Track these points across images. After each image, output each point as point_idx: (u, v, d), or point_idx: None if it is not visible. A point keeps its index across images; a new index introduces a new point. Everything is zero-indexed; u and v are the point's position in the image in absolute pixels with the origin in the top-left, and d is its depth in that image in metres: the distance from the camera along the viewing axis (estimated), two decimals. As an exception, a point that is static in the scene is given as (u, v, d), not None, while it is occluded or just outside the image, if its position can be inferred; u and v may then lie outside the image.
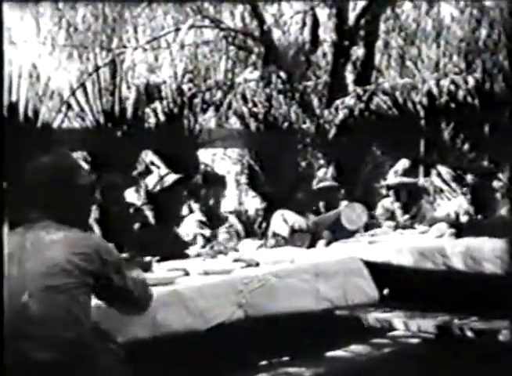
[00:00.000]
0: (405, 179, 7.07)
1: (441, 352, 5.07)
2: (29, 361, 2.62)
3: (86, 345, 2.73)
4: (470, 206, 6.06)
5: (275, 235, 6.14)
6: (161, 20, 11.83)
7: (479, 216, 6.05)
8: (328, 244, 6.00)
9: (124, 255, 4.37)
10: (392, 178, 7.09)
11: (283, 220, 6.20)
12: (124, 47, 10.96)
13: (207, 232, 5.76)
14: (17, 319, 2.62)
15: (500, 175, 7.58)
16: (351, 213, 6.24)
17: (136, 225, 5.42)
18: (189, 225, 5.95)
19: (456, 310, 5.17)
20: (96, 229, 5.19)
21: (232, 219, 6.25)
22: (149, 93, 9.31)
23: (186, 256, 5.25)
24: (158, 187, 5.54)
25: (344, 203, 6.83)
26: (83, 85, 8.66)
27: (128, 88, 9.29)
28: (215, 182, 6.17)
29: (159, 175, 5.73)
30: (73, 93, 8.50)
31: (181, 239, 5.61)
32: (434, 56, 10.89)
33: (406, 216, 6.88)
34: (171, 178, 5.62)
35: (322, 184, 6.98)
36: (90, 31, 11.51)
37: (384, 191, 7.50)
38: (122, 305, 2.99)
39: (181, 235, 5.69)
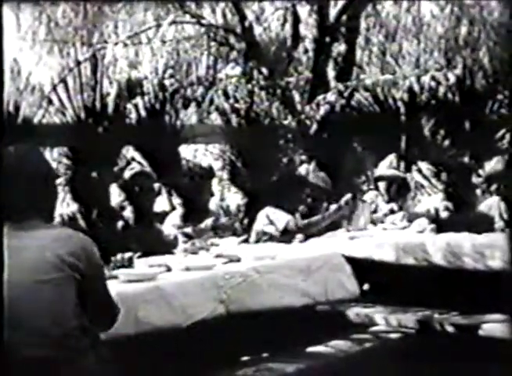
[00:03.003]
0: (397, 172, 7.11)
1: (422, 346, 5.09)
2: (17, 357, 2.62)
3: (73, 342, 2.73)
4: (450, 202, 6.09)
5: (264, 233, 6.13)
6: (142, 16, 11.79)
7: (459, 212, 6.08)
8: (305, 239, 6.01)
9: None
10: (384, 169, 7.11)
11: (272, 219, 6.18)
12: (105, 42, 10.92)
13: (190, 229, 5.75)
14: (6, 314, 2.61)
15: (480, 171, 7.63)
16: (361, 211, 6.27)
17: (119, 222, 5.41)
18: (172, 222, 5.93)
19: (437, 305, 5.19)
20: (81, 223, 5.17)
21: (215, 215, 6.24)
22: (131, 89, 9.28)
23: (168, 252, 5.25)
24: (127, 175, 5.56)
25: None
26: (64, 80, 8.63)
27: (110, 83, 9.26)
28: (200, 177, 6.15)
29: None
30: (54, 88, 8.47)
31: (163, 236, 5.60)
32: (415, 53, 10.92)
33: (389, 211, 6.89)
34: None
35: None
36: (71, 26, 11.45)
37: (368, 185, 7.51)
38: (97, 311, 2.94)
39: (163, 231, 5.68)
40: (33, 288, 2.67)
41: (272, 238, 6.03)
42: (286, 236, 5.99)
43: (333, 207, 6.46)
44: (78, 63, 9.04)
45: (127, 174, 5.63)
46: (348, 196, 7.04)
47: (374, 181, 7.24)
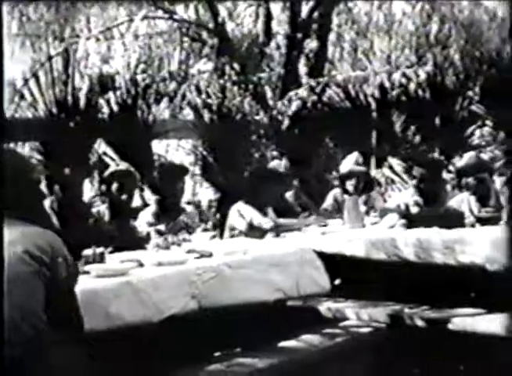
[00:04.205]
0: (358, 167, 7.12)
1: (393, 340, 5.13)
2: None
3: (43, 338, 2.72)
4: (420, 197, 6.13)
5: (232, 229, 6.14)
6: (114, 11, 11.74)
7: (429, 207, 6.12)
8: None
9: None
10: (348, 166, 7.11)
11: (241, 215, 6.19)
12: (78, 37, 10.87)
13: (162, 226, 5.73)
14: None
15: (450, 167, 7.70)
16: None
17: (91, 217, 5.40)
18: (145, 219, 5.91)
19: (407, 300, 5.23)
20: (54, 220, 5.16)
21: (187, 210, 6.24)
22: (103, 83, 9.27)
23: (140, 247, 5.24)
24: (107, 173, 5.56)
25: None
26: (36, 75, 8.59)
27: (81, 78, 9.23)
28: (173, 173, 6.13)
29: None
30: (26, 83, 8.43)
31: (135, 231, 5.60)
32: (386, 50, 10.98)
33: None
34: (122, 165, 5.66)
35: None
36: (43, 21, 11.38)
37: (336, 182, 7.54)
38: (61, 309, 2.91)
39: (136, 227, 5.67)
40: (4, 284, 2.67)
41: (243, 233, 6.05)
42: (254, 232, 6.01)
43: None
44: (50, 58, 9.00)
45: (108, 171, 5.63)
46: (331, 198, 7.11)
47: (339, 179, 7.23)
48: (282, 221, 6.27)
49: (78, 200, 5.50)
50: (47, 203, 5.30)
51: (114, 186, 5.50)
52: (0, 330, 2.53)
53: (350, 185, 6.98)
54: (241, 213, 6.17)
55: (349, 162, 7.15)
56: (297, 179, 7.64)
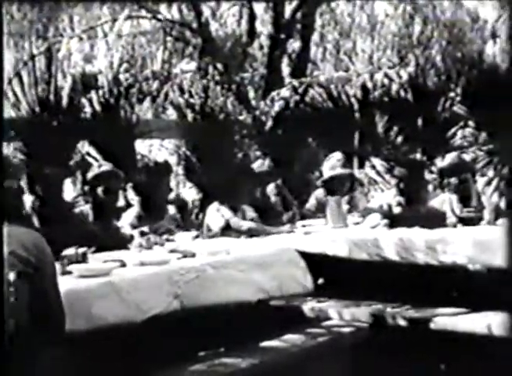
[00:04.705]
0: (344, 170, 7.12)
1: (375, 340, 5.15)
2: None
3: (24, 337, 2.72)
4: (402, 197, 6.15)
5: (209, 229, 6.14)
6: (98, 10, 11.70)
7: (411, 207, 6.15)
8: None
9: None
10: (332, 170, 7.09)
11: (217, 215, 6.19)
12: (61, 36, 10.83)
13: (146, 228, 5.71)
14: None
15: (433, 168, 7.72)
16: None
17: (74, 217, 5.38)
18: (128, 221, 5.89)
19: (390, 299, 5.25)
20: (35, 220, 5.14)
21: (170, 213, 6.23)
22: (85, 83, 9.23)
23: (123, 247, 5.23)
24: (91, 174, 5.54)
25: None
26: (18, 74, 8.55)
27: (64, 77, 9.19)
28: (157, 172, 6.12)
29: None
30: (9, 82, 8.39)
31: (118, 232, 5.58)
32: (369, 50, 11.01)
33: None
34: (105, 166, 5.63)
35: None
36: (26, 20, 11.32)
37: (319, 182, 7.54)
38: (44, 308, 2.90)
39: (119, 228, 5.66)
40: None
41: (224, 233, 6.05)
42: (230, 233, 6.01)
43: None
44: (33, 57, 8.97)
45: (93, 172, 5.61)
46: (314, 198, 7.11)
47: (323, 183, 7.21)
48: (259, 226, 6.24)
49: (60, 200, 5.48)
50: (28, 203, 5.28)
51: (99, 188, 5.49)
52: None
53: (334, 186, 6.98)
54: (217, 213, 6.18)
55: (334, 164, 7.14)
56: (280, 179, 7.64)
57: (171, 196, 7.39)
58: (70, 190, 5.51)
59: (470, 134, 9.23)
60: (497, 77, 9.24)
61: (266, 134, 9.99)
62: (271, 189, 7.18)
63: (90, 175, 5.63)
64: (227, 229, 6.05)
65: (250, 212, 6.43)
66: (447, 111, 9.42)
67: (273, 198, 7.17)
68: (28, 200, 5.36)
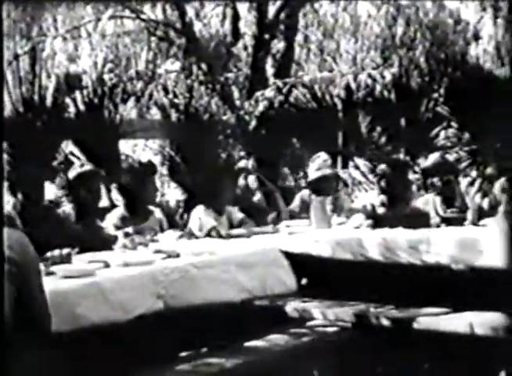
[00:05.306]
0: (330, 170, 7.13)
1: (358, 340, 5.16)
2: None
3: (9, 337, 2.71)
4: (385, 198, 6.17)
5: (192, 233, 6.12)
6: (82, 10, 11.67)
7: (395, 208, 6.17)
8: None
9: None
10: (318, 170, 7.08)
11: (198, 221, 6.19)
12: (44, 36, 10.80)
13: (130, 229, 5.68)
14: None
15: (416, 168, 7.76)
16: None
17: (58, 217, 5.36)
18: (112, 222, 5.86)
19: (373, 299, 5.26)
20: (18, 221, 5.12)
21: (154, 214, 6.19)
22: (69, 83, 9.21)
23: (107, 248, 5.22)
24: (73, 174, 5.53)
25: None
26: (2, 74, 8.51)
27: (48, 77, 9.17)
28: (141, 172, 6.08)
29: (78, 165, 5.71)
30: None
31: (102, 232, 5.56)
32: (352, 51, 11.05)
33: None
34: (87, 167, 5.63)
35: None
36: (9, 19, 11.28)
37: (303, 182, 7.56)
38: (30, 307, 2.90)
39: (103, 228, 5.64)
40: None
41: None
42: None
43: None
44: (17, 57, 8.94)
45: (74, 172, 5.59)
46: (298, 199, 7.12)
47: (309, 184, 7.22)
48: (240, 231, 6.23)
49: (44, 200, 5.46)
50: (10, 203, 5.26)
51: (81, 188, 5.47)
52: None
53: (319, 186, 6.97)
54: (198, 219, 6.17)
55: (320, 164, 7.13)
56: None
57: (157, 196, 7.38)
58: (53, 190, 5.49)
59: (453, 134, 9.28)
60: (480, 78, 9.29)
61: (250, 134, 10.00)
62: (252, 180, 7.20)
63: (71, 174, 5.61)
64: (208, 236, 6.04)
65: (237, 214, 6.44)
66: (430, 112, 9.46)
67: (254, 188, 7.17)
68: (10, 200, 5.34)
